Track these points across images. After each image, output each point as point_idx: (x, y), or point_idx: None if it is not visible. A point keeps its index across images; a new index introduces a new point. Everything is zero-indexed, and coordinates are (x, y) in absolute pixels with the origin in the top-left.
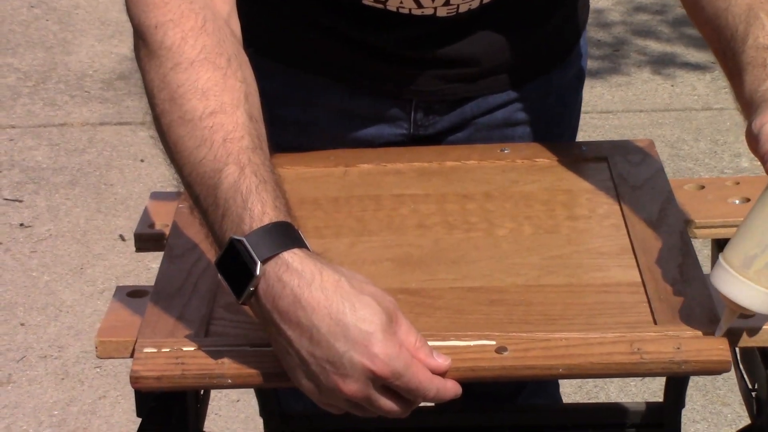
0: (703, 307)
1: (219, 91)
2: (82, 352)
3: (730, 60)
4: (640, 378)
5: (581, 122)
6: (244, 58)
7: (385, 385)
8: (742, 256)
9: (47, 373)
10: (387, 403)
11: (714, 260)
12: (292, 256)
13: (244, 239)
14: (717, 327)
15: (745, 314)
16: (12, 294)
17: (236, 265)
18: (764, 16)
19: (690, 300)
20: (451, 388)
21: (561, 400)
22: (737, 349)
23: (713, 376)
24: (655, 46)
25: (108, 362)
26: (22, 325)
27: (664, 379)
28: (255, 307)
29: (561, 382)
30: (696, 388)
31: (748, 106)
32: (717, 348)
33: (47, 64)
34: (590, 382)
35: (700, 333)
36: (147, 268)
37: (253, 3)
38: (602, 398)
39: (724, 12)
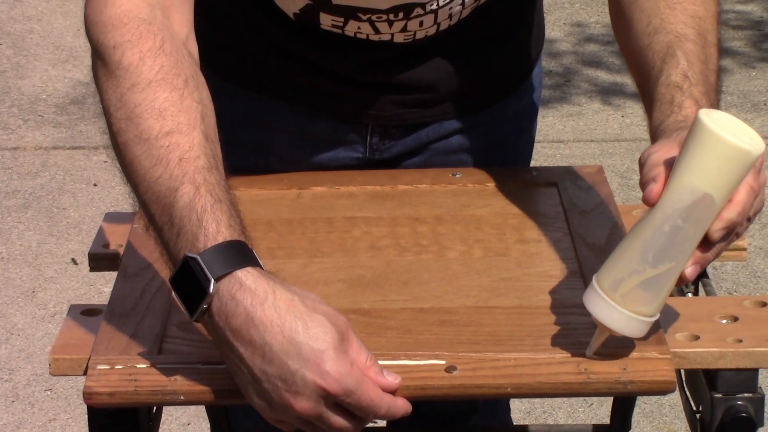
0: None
1: (176, 111)
2: (32, 375)
3: (646, 96)
4: (588, 404)
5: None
6: (201, 80)
7: (336, 402)
8: (611, 279)
9: None
10: (338, 421)
11: None
12: (245, 275)
13: (198, 257)
14: (588, 346)
15: (614, 335)
16: None
17: (190, 282)
18: (681, 54)
19: None
20: (401, 406)
21: (511, 423)
22: (682, 372)
23: (660, 403)
24: (605, 77)
25: (59, 385)
26: None
27: (611, 405)
28: (208, 325)
29: (510, 407)
30: (643, 415)
31: (652, 140)
32: (662, 369)
33: (0, 87)
34: (538, 408)
35: (645, 354)
36: (99, 291)
37: (212, 25)
38: (550, 423)
39: (645, 49)
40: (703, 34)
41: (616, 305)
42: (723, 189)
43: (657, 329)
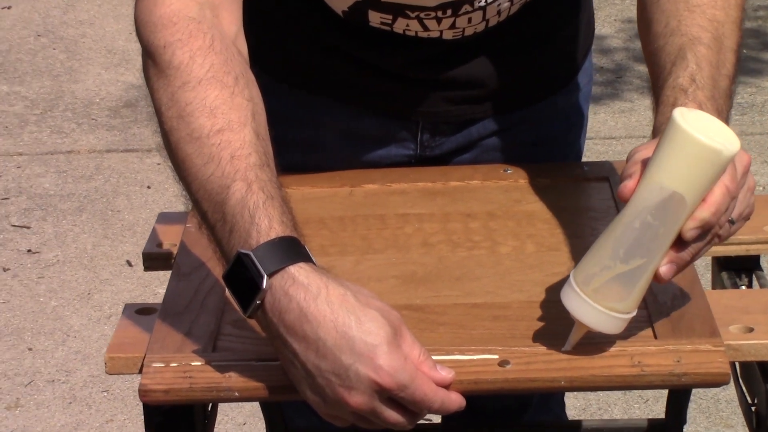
0: (702, 322)
1: (226, 109)
2: (89, 377)
3: (655, 96)
4: (644, 400)
5: (584, 148)
6: (251, 77)
7: (390, 397)
8: (584, 273)
9: (55, 397)
10: (392, 415)
11: (713, 277)
12: (298, 270)
13: (251, 253)
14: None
15: (591, 331)
16: (20, 319)
17: (243, 278)
18: (691, 57)
19: (690, 315)
20: (455, 400)
21: (566, 418)
22: (737, 365)
23: (716, 398)
24: None
25: (115, 386)
26: (30, 349)
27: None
28: (261, 321)
29: (566, 404)
30: (699, 410)
31: None
32: (716, 361)
33: (54, 92)
34: (594, 405)
35: (699, 347)
36: (154, 293)
37: (261, 23)
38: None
39: (660, 50)
40: (720, 38)
41: (588, 300)
42: (693, 188)
43: (710, 321)
